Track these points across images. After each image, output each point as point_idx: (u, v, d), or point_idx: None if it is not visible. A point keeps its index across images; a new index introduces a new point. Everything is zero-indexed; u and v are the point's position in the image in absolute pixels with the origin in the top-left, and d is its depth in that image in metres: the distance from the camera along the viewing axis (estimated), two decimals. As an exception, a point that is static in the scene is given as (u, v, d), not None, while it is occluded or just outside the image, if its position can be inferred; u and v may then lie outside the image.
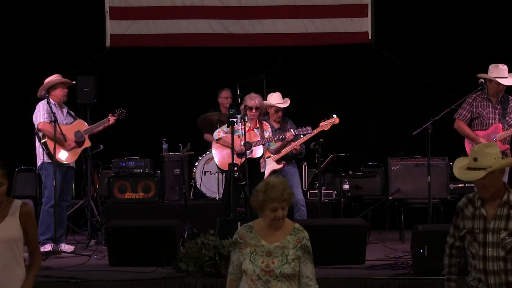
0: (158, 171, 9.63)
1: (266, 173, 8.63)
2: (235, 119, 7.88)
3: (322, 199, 9.15)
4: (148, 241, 7.24)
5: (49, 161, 8.11)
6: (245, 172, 7.82)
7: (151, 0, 10.75)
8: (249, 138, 8.24)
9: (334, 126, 8.52)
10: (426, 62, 10.57)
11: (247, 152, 8.09)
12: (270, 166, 8.68)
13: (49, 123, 8.07)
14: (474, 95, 7.92)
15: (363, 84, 10.79)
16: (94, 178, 9.71)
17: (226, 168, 8.08)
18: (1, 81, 10.51)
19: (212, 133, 8.97)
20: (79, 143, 8.32)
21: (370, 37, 10.67)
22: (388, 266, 7.17)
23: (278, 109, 8.71)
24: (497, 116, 7.85)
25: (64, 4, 10.65)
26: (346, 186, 9.46)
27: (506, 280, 4.21)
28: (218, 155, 8.46)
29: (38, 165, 8.30)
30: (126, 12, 10.76)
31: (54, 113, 8.01)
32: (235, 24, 10.77)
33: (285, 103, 8.75)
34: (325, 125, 8.50)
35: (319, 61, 10.80)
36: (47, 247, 8.00)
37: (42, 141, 8.14)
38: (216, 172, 9.44)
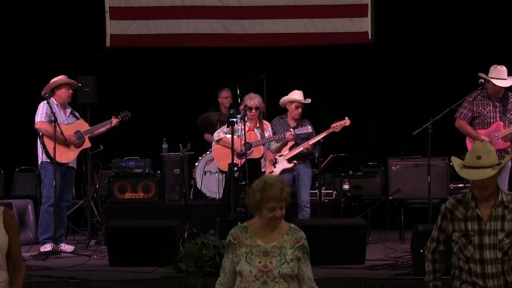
0: (158, 171, 9.63)
1: (277, 172, 8.64)
2: (235, 119, 7.88)
3: (322, 199, 9.15)
4: (148, 241, 7.24)
5: (48, 160, 8.12)
6: (245, 172, 7.83)
7: (151, 0, 10.75)
8: (249, 138, 8.25)
9: (344, 127, 8.54)
10: (426, 62, 10.57)
11: (247, 152, 8.10)
12: (281, 164, 8.68)
13: (48, 122, 8.08)
14: (475, 94, 7.92)
15: (363, 84, 10.79)
16: (94, 178, 9.71)
17: (226, 168, 8.08)
18: (2, 81, 10.51)
19: (212, 133, 8.98)
20: (78, 144, 8.31)
21: (370, 37, 10.68)
22: (388, 266, 7.16)
23: (298, 106, 8.69)
24: (497, 114, 7.85)
25: (64, 4, 10.66)
26: (346, 186, 9.46)
27: (505, 281, 4.13)
28: (219, 156, 8.46)
29: (38, 164, 8.32)
30: (126, 12, 10.76)
31: (54, 113, 8.01)
32: (235, 24, 10.77)
33: (306, 100, 8.72)
34: (336, 126, 8.51)
35: (319, 61, 10.80)
36: (47, 247, 8.00)
37: (40, 140, 8.16)
38: (216, 172, 9.45)
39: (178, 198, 9.69)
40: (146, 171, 9.44)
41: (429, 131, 7.97)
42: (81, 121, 8.51)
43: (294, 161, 8.67)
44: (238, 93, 8.80)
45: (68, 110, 8.42)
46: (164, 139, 10.00)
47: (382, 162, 10.06)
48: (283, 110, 9.12)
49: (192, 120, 9.73)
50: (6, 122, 10.31)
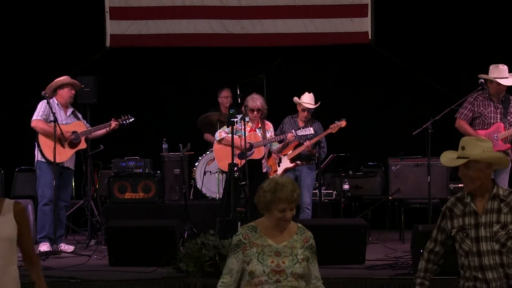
0: (158, 171, 9.63)
1: (280, 171, 8.67)
2: (235, 119, 7.88)
3: (322, 199, 9.15)
4: (148, 241, 7.24)
5: (43, 160, 8.14)
6: (245, 172, 7.83)
7: (151, 0, 10.75)
8: (250, 139, 8.25)
9: (341, 129, 8.55)
10: (426, 62, 10.57)
11: (248, 153, 8.10)
12: (284, 164, 8.71)
13: (43, 121, 8.09)
14: (475, 95, 7.92)
15: (363, 84, 10.79)
16: (94, 178, 9.71)
17: (226, 169, 8.08)
18: (2, 81, 10.51)
19: (212, 133, 8.99)
20: (74, 144, 8.28)
21: (370, 37, 10.68)
22: (388, 266, 7.16)
23: (304, 109, 8.69)
24: (498, 116, 7.85)
25: (64, 4, 10.66)
26: (346, 186, 9.46)
27: (504, 273, 4.17)
28: (220, 156, 8.46)
29: (34, 163, 8.33)
30: (126, 12, 10.77)
31: (54, 113, 8.01)
32: (235, 24, 10.77)
33: (311, 105, 8.71)
34: (333, 127, 8.54)
35: (319, 61, 10.80)
36: (43, 246, 8.02)
37: (36, 139, 8.18)
38: (216, 172, 9.45)
39: (178, 198, 9.69)
40: (146, 171, 9.44)
41: (429, 131, 7.97)
42: (80, 122, 8.48)
43: (297, 162, 8.68)
44: (238, 93, 8.78)
45: (70, 110, 8.42)
46: (164, 139, 10.00)
47: (382, 162, 10.06)
48: (283, 110, 9.13)
49: (192, 120, 9.73)
50: (6, 122, 10.31)
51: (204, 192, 9.72)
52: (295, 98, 8.76)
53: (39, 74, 8.73)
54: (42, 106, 8.18)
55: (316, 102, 8.74)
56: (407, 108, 10.60)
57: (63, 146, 8.20)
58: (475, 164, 4.17)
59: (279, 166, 8.75)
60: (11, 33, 10.68)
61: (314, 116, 8.87)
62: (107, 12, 10.74)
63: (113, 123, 8.56)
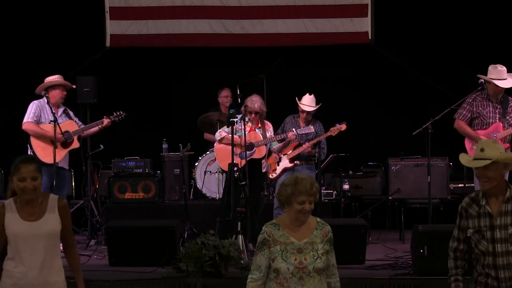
0: (158, 171, 9.63)
1: (279, 171, 8.67)
2: (235, 119, 7.88)
3: (322, 199, 9.15)
4: (148, 241, 7.24)
5: None
6: (245, 172, 7.83)
7: (151, 0, 10.75)
8: (250, 138, 8.25)
9: (341, 132, 8.56)
10: (426, 62, 10.57)
11: (249, 152, 8.10)
12: (283, 163, 8.71)
13: (34, 123, 8.09)
14: (474, 95, 7.91)
15: (363, 84, 10.79)
16: (94, 178, 9.70)
17: (227, 169, 8.08)
18: (2, 80, 10.51)
19: (212, 133, 8.99)
20: (67, 144, 8.24)
21: (370, 37, 10.67)
22: (388, 266, 7.17)
23: (303, 111, 8.70)
24: (497, 116, 7.84)
25: (64, 4, 10.66)
26: (346, 186, 9.46)
27: None
28: (221, 156, 8.46)
29: None
30: (126, 12, 10.76)
31: (54, 113, 8.01)
32: (235, 24, 10.77)
33: (310, 107, 8.71)
34: (333, 130, 8.56)
35: (319, 61, 10.80)
36: None
37: (28, 141, 8.17)
38: (216, 172, 9.45)
39: (178, 198, 9.69)
40: (146, 171, 9.44)
41: (429, 131, 7.97)
42: (72, 121, 8.41)
43: (296, 161, 8.68)
44: (238, 93, 8.79)
45: (61, 110, 8.36)
46: (164, 139, 10.00)
47: (382, 162, 10.05)
48: (283, 110, 9.12)
49: (192, 120, 9.73)
50: (6, 122, 10.30)
51: (204, 192, 9.72)
52: (296, 99, 8.76)
53: (39, 74, 8.70)
54: (32, 107, 8.17)
55: (317, 103, 8.74)
56: (407, 108, 10.59)
57: (56, 146, 8.19)
58: (494, 165, 4.26)
59: (278, 165, 8.75)
60: (11, 33, 10.68)
61: (314, 115, 8.87)
62: (107, 12, 10.74)
63: (105, 121, 8.52)
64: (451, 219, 9.19)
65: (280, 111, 9.17)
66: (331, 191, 9.62)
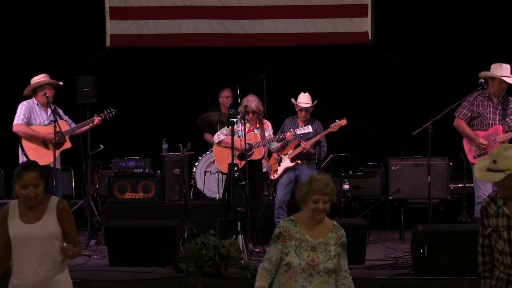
0: (158, 171, 9.63)
1: (280, 170, 8.68)
2: (235, 119, 7.88)
3: (322, 199, 9.13)
4: (148, 241, 7.24)
5: None
6: (245, 173, 7.83)
7: (151, 0, 10.75)
8: (249, 139, 8.24)
9: (341, 127, 8.55)
10: (426, 62, 10.57)
11: (248, 153, 8.10)
12: (284, 163, 8.72)
13: (25, 124, 8.09)
14: (475, 94, 7.90)
15: (363, 84, 10.79)
16: (94, 178, 9.70)
17: (227, 171, 8.07)
18: (2, 80, 10.51)
19: (212, 133, 8.98)
20: (59, 144, 8.17)
21: (370, 37, 10.67)
22: (388, 266, 7.17)
23: (301, 109, 8.70)
24: (497, 117, 7.83)
25: (64, 4, 10.66)
26: (346, 186, 9.46)
27: None
28: (220, 158, 8.45)
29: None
30: (126, 12, 10.76)
31: (55, 112, 8.01)
32: (235, 24, 10.77)
33: (307, 104, 8.71)
34: (333, 126, 8.55)
35: (319, 61, 10.80)
36: None
37: (19, 143, 8.15)
38: (216, 172, 9.44)
39: (178, 198, 9.69)
40: (146, 171, 9.43)
41: (429, 131, 7.97)
42: (62, 121, 8.33)
43: (297, 161, 8.68)
44: (238, 93, 8.80)
45: (50, 109, 8.31)
46: (164, 139, 9.99)
47: (382, 162, 10.05)
48: (283, 110, 9.13)
49: (192, 120, 9.73)
50: (6, 122, 10.30)
51: (204, 192, 9.71)
52: (292, 100, 8.76)
53: (39, 74, 8.70)
54: (22, 109, 8.16)
55: (313, 101, 8.73)
56: (407, 108, 10.60)
57: (48, 147, 8.18)
58: (510, 175, 4.27)
59: (279, 165, 8.76)
60: (11, 33, 10.68)
61: (314, 115, 8.87)
62: (107, 12, 10.74)
63: (96, 119, 8.48)
64: (451, 219, 9.26)
65: (280, 111, 9.17)
66: (331, 191, 9.60)
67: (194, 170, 9.84)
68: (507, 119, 7.85)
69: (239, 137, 8.06)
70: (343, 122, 8.55)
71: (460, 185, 9.39)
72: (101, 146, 9.28)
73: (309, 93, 8.79)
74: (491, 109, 7.85)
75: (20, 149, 8.19)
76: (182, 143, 9.26)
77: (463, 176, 9.10)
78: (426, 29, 10.64)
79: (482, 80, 7.85)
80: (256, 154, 8.42)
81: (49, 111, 8.30)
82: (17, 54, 10.61)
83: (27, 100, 8.27)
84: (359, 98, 10.71)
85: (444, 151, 9.24)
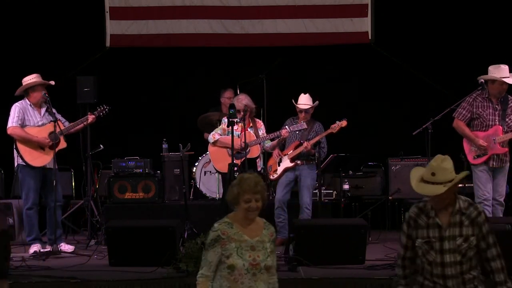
0: (158, 171, 9.63)
1: (280, 171, 8.68)
2: (235, 119, 7.88)
3: (322, 199, 9.15)
4: (148, 241, 7.24)
5: (23, 164, 8.10)
6: (244, 172, 7.83)
7: (151, 0, 10.75)
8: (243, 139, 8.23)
9: (341, 128, 8.56)
10: (426, 62, 10.57)
11: (244, 152, 8.09)
12: (284, 163, 8.71)
13: (19, 127, 8.09)
14: (475, 95, 7.89)
15: (363, 84, 10.79)
16: (94, 178, 9.70)
17: (225, 170, 8.06)
18: (2, 80, 10.50)
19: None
20: (53, 145, 8.16)
21: (370, 37, 10.67)
22: (388, 266, 7.16)
23: (301, 110, 8.70)
24: (497, 118, 7.82)
25: (64, 4, 10.65)
26: (346, 186, 9.46)
27: (462, 280, 4.40)
28: (216, 158, 8.45)
29: (15, 167, 8.29)
30: (126, 12, 10.76)
31: (54, 113, 8.01)
32: (235, 24, 10.77)
33: (307, 105, 8.71)
34: (333, 127, 8.55)
35: (319, 61, 10.80)
36: (33, 248, 8.02)
37: (14, 145, 8.15)
38: (216, 172, 9.44)
39: (178, 198, 9.69)
40: (146, 171, 9.44)
41: (429, 131, 7.97)
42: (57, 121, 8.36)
43: (297, 161, 8.68)
44: (238, 93, 8.80)
45: (43, 109, 8.30)
46: (164, 139, 10.00)
47: (382, 162, 10.06)
48: (283, 110, 9.13)
49: (192, 120, 9.73)
50: (5, 122, 10.29)
51: (204, 192, 9.71)
52: (293, 101, 8.76)
53: (39, 74, 8.70)
54: (15, 111, 8.16)
55: (313, 102, 8.73)
56: (407, 108, 10.60)
57: (43, 148, 8.18)
58: (449, 188, 4.34)
59: (279, 165, 8.76)
60: (12, 33, 10.67)
61: (314, 115, 8.87)
62: (107, 12, 10.74)
63: (90, 117, 8.46)
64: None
65: (280, 111, 9.17)
66: (331, 191, 9.63)
67: (194, 170, 9.84)
68: (507, 120, 7.85)
69: (238, 136, 8.06)
70: (343, 123, 8.55)
71: (460, 185, 9.34)
72: (101, 146, 9.28)
73: (309, 93, 8.79)
74: (490, 110, 7.84)
75: (15, 151, 8.18)
76: (182, 143, 9.26)
77: (463, 176, 9.08)
78: (426, 29, 10.64)
79: (482, 80, 7.83)
80: (252, 153, 8.42)
81: (43, 111, 8.29)
82: (17, 54, 10.60)
83: (19, 102, 8.26)
84: (359, 98, 10.71)
85: (444, 151, 9.18)
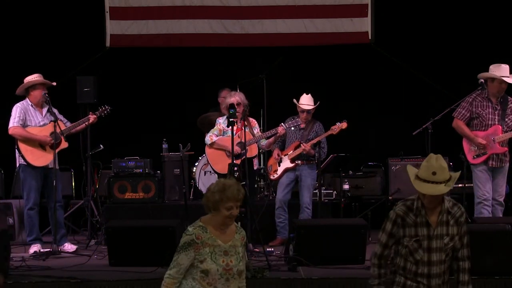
0: (158, 171, 9.63)
1: (280, 171, 8.67)
2: (235, 119, 7.88)
3: (322, 199, 9.15)
4: (148, 241, 7.24)
5: (25, 164, 8.11)
6: (245, 172, 7.83)
7: (151, 0, 10.75)
8: (240, 138, 8.22)
9: (342, 130, 8.56)
10: (426, 62, 10.57)
11: (242, 152, 8.08)
12: (284, 164, 8.71)
13: (21, 127, 8.08)
14: (474, 95, 7.90)
15: (363, 84, 10.79)
16: (94, 178, 9.70)
17: (225, 171, 8.04)
18: (2, 80, 10.50)
19: (212, 133, 8.96)
20: (54, 144, 8.13)
21: (370, 37, 10.68)
22: (388, 266, 7.15)
23: (303, 110, 8.70)
24: (496, 117, 7.83)
25: (64, 4, 10.66)
26: (346, 186, 9.46)
27: (443, 279, 4.46)
28: (214, 160, 8.43)
29: (16, 167, 8.29)
30: (126, 12, 10.77)
31: (54, 113, 8.01)
32: (235, 24, 10.77)
33: (309, 106, 8.71)
34: (334, 129, 8.55)
35: (319, 61, 10.80)
36: (33, 248, 8.03)
37: (16, 145, 8.15)
38: (215, 173, 9.43)
39: (178, 198, 9.69)
40: (146, 171, 9.43)
41: (429, 131, 7.97)
42: (58, 121, 8.35)
43: (297, 162, 8.68)
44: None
45: (45, 110, 8.29)
46: (164, 139, 10.00)
47: (382, 162, 10.06)
48: (283, 110, 9.13)
49: (192, 120, 9.73)
50: (5, 122, 10.29)
51: (204, 192, 9.68)
52: (294, 100, 8.76)
53: (39, 74, 8.70)
54: (16, 111, 8.15)
55: (315, 103, 8.74)
56: (407, 108, 10.60)
57: (44, 148, 8.18)
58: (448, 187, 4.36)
59: (279, 165, 8.76)
60: (12, 33, 10.67)
61: (314, 116, 8.87)
62: (107, 12, 10.74)
63: (92, 117, 8.45)
64: (451, 219, 9.22)
65: (280, 111, 9.16)
66: (331, 191, 9.62)
67: (194, 170, 9.83)
68: (506, 119, 7.85)
69: (238, 136, 8.06)
70: (344, 125, 8.55)
71: (460, 185, 9.36)
72: (101, 146, 9.28)
73: (306, 93, 8.78)
74: (490, 110, 7.84)
75: (17, 151, 8.19)
76: (182, 143, 9.25)
77: (463, 176, 9.07)
78: (426, 29, 10.64)
79: (482, 80, 7.85)
80: (250, 152, 8.42)
81: (44, 111, 8.28)
82: (17, 55, 10.60)
83: (21, 102, 8.25)
84: (359, 98, 10.71)
85: (444, 151, 9.19)
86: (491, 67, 7.87)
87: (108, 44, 10.78)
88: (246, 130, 8.37)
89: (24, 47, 10.64)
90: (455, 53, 10.51)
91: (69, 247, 8.22)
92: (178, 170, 9.60)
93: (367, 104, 10.67)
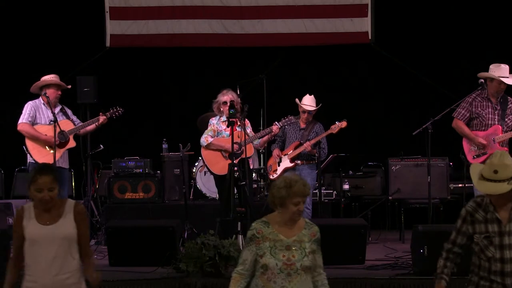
0: (158, 171, 9.64)
1: (279, 171, 8.67)
2: (234, 119, 7.87)
3: (322, 199, 9.15)
4: (148, 241, 7.24)
5: (33, 161, 8.11)
6: (244, 172, 7.83)
7: (151, 0, 10.75)
8: (236, 139, 8.19)
9: (341, 129, 8.56)
10: (426, 62, 10.57)
11: (238, 152, 8.07)
12: (284, 163, 8.71)
13: (29, 124, 8.08)
14: (474, 95, 7.90)
15: (363, 84, 10.79)
16: (94, 178, 9.70)
17: (223, 172, 8.02)
18: (2, 80, 10.51)
19: (212, 133, 8.96)
20: (62, 143, 8.14)
21: (370, 37, 10.67)
22: (388, 266, 7.17)
23: (305, 111, 8.70)
24: (496, 117, 7.82)
25: (64, 4, 10.66)
26: (346, 186, 9.46)
27: None
28: (211, 161, 8.39)
29: (26, 165, 8.30)
30: (126, 12, 10.77)
31: (54, 113, 8.01)
32: (235, 24, 10.77)
33: (311, 107, 8.71)
34: (333, 128, 8.55)
35: (319, 61, 10.80)
36: None
37: (24, 142, 8.16)
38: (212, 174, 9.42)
39: (178, 198, 9.69)
40: (146, 171, 9.44)
41: (429, 131, 7.97)
42: (67, 120, 8.26)
43: (297, 161, 8.68)
44: (238, 93, 8.78)
45: (57, 109, 8.25)
46: (164, 139, 10.00)
47: (382, 162, 10.06)
48: (283, 110, 9.12)
49: (192, 120, 9.73)
50: (6, 122, 10.30)
51: (204, 192, 9.71)
52: (297, 100, 8.76)
53: (39, 74, 8.70)
54: (27, 108, 8.14)
55: (317, 104, 8.74)
56: (407, 108, 10.60)
57: (50, 147, 8.17)
58: None
59: (279, 165, 8.76)
60: (12, 33, 10.68)
61: (315, 116, 8.87)
62: (107, 12, 10.74)
63: (101, 118, 8.36)
64: (451, 219, 9.18)
65: (280, 111, 9.15)
66: (331, 191, 9.63)
67: (194, 170, 9.83)
68: (506, 119, 7.85)
69: (235, 136, 8.04)
70: (343, 124, 8.55)
71: (460, 185, 9.39)
72: (101, 146, 9.28)
73: (309, 93, 8.79)
74: (490, 110, 7.84)
75: (24, 148, 8.18)
76: (182, 143, 9.26)
77: (463, 176, 9.08)
78: (426, 29, 10.64)
79: (482, 80, 7.84)
80: (247, 152, 8.40)
81: (57, 110, 8.27)
82: (17, 55, 10.61)
83: (33, 100, 8.25)
84: (359, 98, 10.71)
85: (444, 151, 9.24)
86: (491, 66, 7.86)
87: (108, 44, 10.77)
88: (241, 129, 8.36)
89: (24, 47, 10.64)
90: (455, 53, 10.51)
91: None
92: (178, 170, 9.60)
93: (367, 104, 10.67)
